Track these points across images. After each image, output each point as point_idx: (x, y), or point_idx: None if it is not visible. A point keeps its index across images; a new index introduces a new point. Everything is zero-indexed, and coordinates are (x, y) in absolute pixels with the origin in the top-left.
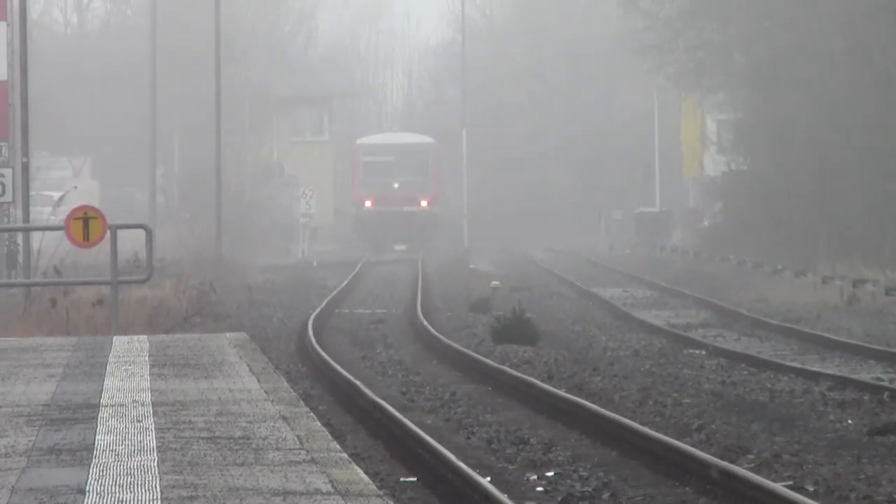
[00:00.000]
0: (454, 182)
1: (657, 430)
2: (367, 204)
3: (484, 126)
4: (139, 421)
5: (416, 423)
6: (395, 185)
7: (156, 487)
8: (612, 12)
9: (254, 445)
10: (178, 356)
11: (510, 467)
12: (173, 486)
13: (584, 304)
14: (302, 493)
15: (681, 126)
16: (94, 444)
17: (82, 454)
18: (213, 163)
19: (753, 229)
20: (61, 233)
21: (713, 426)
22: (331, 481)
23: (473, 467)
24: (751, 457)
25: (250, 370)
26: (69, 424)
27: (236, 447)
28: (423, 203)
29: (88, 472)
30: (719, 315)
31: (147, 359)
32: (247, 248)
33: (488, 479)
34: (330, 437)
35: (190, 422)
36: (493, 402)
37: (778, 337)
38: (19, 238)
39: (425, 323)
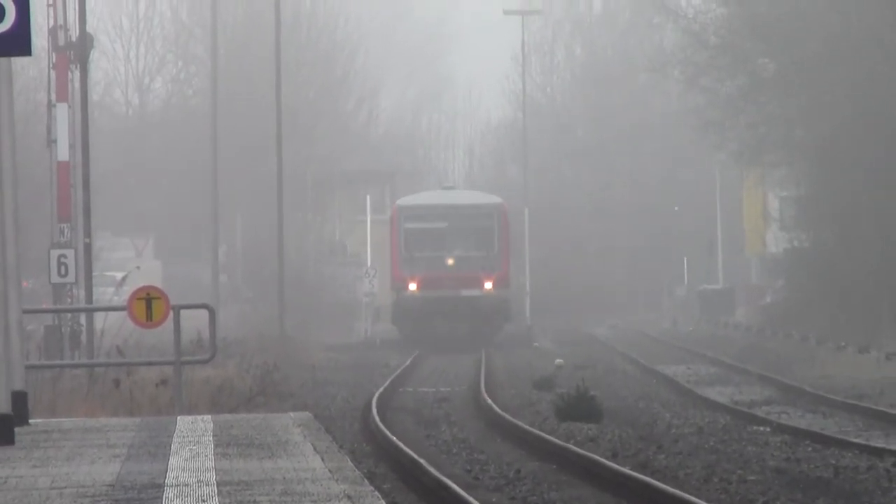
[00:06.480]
0: (516, 259)
1: None
2: (411, 287)
3: (546, 202)
4: (204, 501)
5: (481, 502)
6: (449, 261)
7: None
8: (672, 89)
9: None
10: (243, 436)
11: None
12: None
13: (647, 382)
14: None
15: (743, 202)
16: None
17: None
18: (276, 241)
19: (816, 306)
20: (124, 313)
21: (778, 503)
22: None
23: None
24: None
25: (314, 449)
26: None
27: None
28: (488, 285)
29: None
30: (783, 392)
31: (211, 438)
32: (310, 327)
33: None
34: None
35: (255, 501)
36: (558, 480)
37: (842, 413)
38: (82, 318)
39: (489, 401)
